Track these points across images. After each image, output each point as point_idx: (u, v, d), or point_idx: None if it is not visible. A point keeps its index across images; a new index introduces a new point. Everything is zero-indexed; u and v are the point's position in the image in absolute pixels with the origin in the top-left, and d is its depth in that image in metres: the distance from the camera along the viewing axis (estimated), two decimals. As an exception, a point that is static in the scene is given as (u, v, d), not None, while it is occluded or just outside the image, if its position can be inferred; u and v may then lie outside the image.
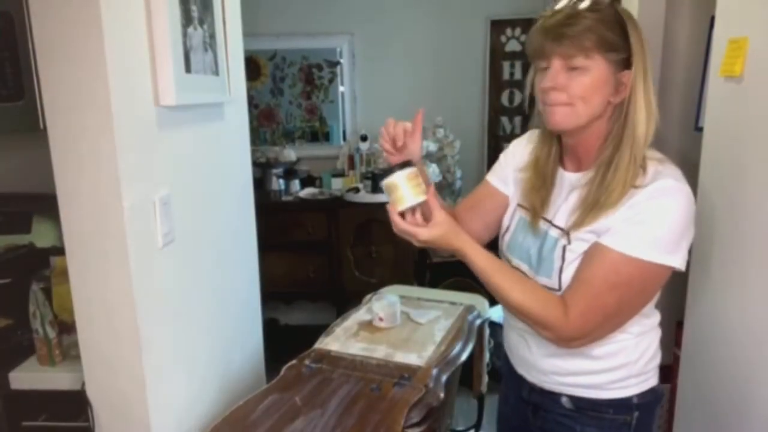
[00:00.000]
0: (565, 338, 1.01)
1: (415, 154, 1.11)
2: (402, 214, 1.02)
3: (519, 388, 1.21)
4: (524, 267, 1.11)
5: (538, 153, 1.13)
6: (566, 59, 0.96)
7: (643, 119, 0.97)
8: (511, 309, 1.05)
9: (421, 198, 1.00)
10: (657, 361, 1.12)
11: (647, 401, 1.09)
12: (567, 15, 0.95)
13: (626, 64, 0.97)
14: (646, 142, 0.98)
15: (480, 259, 1.02)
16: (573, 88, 0.96)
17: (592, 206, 0.99)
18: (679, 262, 0.96)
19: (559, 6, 1.00)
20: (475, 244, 1.03)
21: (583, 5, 0.96)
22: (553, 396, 1.13)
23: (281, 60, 3.32)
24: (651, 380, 1.10)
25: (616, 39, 0.95)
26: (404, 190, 0.99)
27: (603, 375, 1.07)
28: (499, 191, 1.22)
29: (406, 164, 1.01)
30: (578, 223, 1.01)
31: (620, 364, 1.07)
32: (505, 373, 1.31)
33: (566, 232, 1.03)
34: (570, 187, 1.07)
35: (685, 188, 0.96)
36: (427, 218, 1.03)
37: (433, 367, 1.29)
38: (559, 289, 1.03)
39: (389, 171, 1.00)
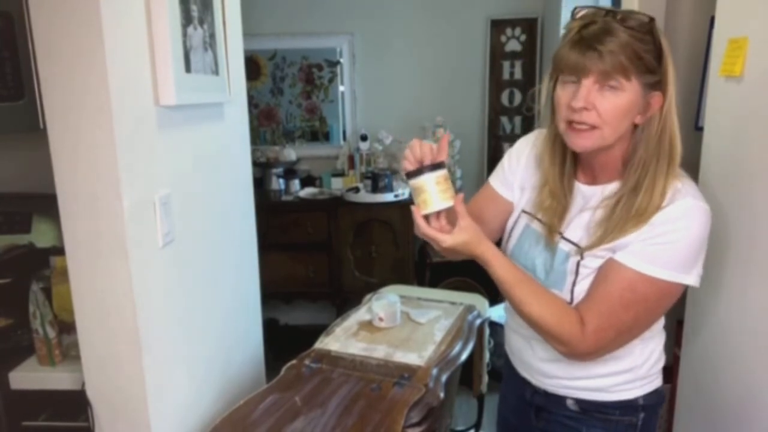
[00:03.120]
0: (578, 353, 1.00)
1: None
2: (426, 217, 0.99)
3: (522, 390, 1.20)
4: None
5: (550, 165, 1.07)
6: (602, 77, 0.91)
7: (679, 144, 0.95)
8: (528, 321, 1.03)
9: (448, 203, 0.96)
10: (662, 363, 1.12)
11: (652, 403, 1.09)
12: (603, 29, 0.89)
13: (655, 85, 0.94)
14: (676, 156, 0.96)
15: (502, 270, 1.00)
16: (604, 109, 0.92)
17: (615, 228, 0.97)
18: (694, 280, 0.96)
19: (582, 14, 0.94)
20: (498, 253, 1.01)
21: (618, 18, 0.90)
22: (558, 399, 1.12)
23: (281, 60, 3.32)
24: (656, 382, 1.10)
25: (652, 60, 0.91)
26: (432, 194, 0.95)
27: (609, 378, 1.07)
28: (503, 197, 1.18)
29: (437, 166, 0.95)
30: (597, 243, 0.99)
31: (627, 367, 1.07)
32: (505, 375, 1.31)
33: (580, 249, 1.01)
34: (583, 200, 1.05)
35: (703, 206, 0.95)
36: (450, 222, 1.00)
37: (433, 366, 1.29)
38: (571, 302, 1.02)
39: (418, 171, 0.95)
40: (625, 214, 0.96)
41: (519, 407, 1.23)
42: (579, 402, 1.10)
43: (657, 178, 0.95)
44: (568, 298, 1.02)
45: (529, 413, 1.20)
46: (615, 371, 1.06)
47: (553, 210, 1.06)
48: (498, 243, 1.19)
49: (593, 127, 0.93)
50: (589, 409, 1.09)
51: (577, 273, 1.01)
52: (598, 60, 0.89)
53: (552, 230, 1.05)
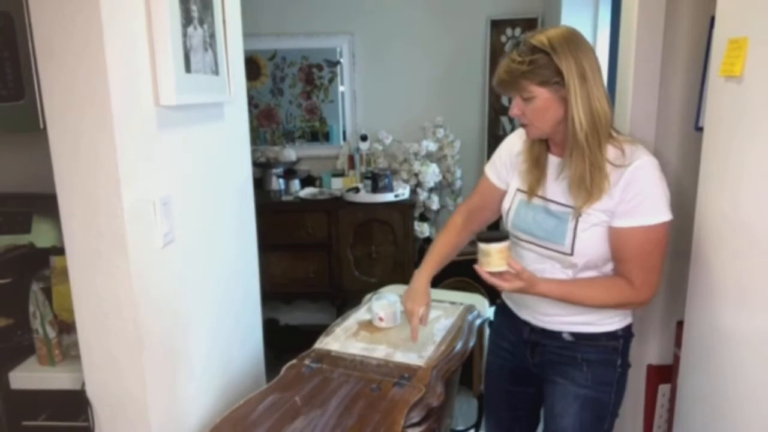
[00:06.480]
0: (642, 303, 1.31)
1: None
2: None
3: (519, 331, 1.43)
4: (532, 239, 1.35)
5: (531, 142, 1.39)
6: (517, 94, 1.25)
7: (581, 117, 1.21)
8: (595, 309, 1.33)
9: (503, 268, 1.24)
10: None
11: (627, 335, 1.41)
12: (505, 69, 1.23)
13: (562, 82, 1.20)
14: (596, 130, 1.23)
15: (557, 291, 1.29)
16: (528, 113, 1.27)
17: (577, 184, 1.25)
18: (670, 213, 1.26)
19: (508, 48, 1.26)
20: (548, 283, 1.30)
21: (513, 54, 1.21)
22: (555, 333, 1.38)
23: (281, 60, 3.31)
24: (628, 319, 1.41)
25: (546, 71, 1.20)
26: (494, 258, 1.24)
27: (597, 314, 1.36)
28: (500, 188, 1.47)
29: (504, 237, 1.24)
30: (584, 202, 1.25)
31: None
32: (500, 324, 1.53)
33: (575, 209, 1.27)
34: (556, 169, 1.33)
35: (653, 159, 1.26)
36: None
37: (433, 366, 1.29)
38: (571, 253, 1.28)
39: (491, 238, 1.24)
40: (579, 179, 1.24)
41: (515, 350, 1.46)
42: (573, 334, 1.37)
43: (575, 145, 1.23)
44: (569, 250, 1.29)
45: (524, 352, 1.43)
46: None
47: (531, 171, 1.36)
48: (499, 220, 1.52)
49: (528, 125, 1.30)
50: (582, 338, 1.37)
51: (575, 229, 1.28)
52: (507, 90, 1.27)
53: (532, 191, 1.34)
